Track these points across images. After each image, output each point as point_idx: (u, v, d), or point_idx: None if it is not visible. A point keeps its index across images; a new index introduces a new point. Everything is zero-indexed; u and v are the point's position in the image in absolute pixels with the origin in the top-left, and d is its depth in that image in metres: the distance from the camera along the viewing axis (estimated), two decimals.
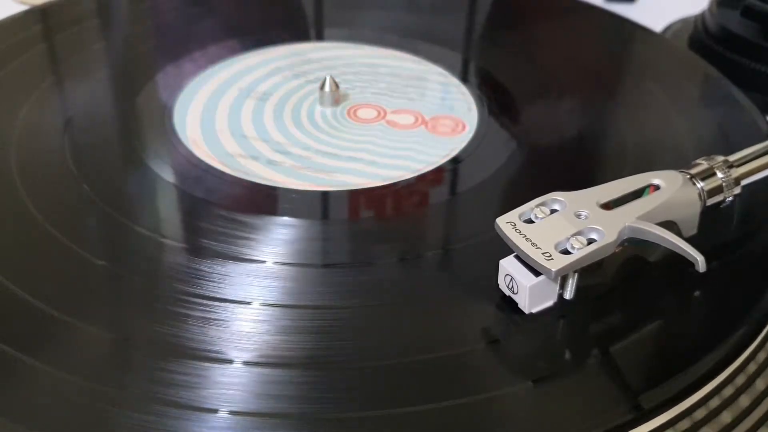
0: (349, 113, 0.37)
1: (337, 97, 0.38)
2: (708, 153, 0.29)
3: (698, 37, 0.47)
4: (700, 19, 0.48)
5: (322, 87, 0.37)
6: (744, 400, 0.25)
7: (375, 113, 0.37)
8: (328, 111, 0.37)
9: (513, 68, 0.42)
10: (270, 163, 0.34)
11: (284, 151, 0.34)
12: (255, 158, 0.34)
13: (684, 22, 0.52)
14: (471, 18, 0.48)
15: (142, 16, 0.47)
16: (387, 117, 0.37)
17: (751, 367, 0.26)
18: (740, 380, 0.25)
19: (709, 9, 0.47)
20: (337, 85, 0.38)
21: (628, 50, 0.45)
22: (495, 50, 0.44)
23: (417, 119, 0.37)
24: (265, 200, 0.32)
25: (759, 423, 0.25)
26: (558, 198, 0.27)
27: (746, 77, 0.43)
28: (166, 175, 0.33)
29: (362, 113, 0.37)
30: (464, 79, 0.41)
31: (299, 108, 0.38)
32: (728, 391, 0.25)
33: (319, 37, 0.45)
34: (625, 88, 0.41)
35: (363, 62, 0.42)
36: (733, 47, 0.44)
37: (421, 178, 0.33)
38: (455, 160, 0.34)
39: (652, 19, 0.50)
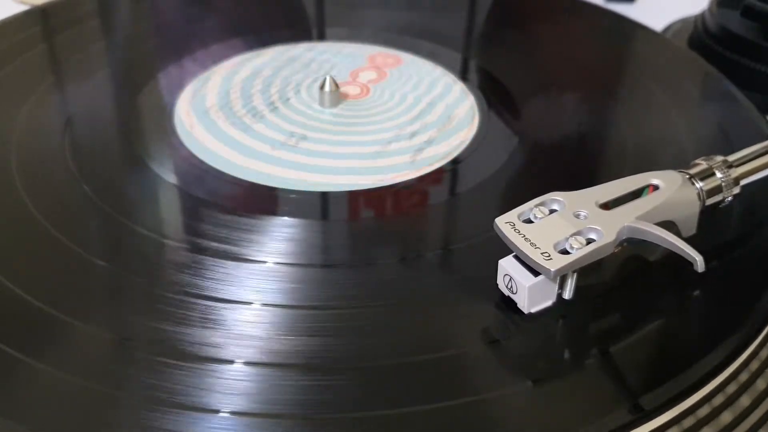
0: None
1: (336, 98, 0.38)
2: (708, 153, 0.29)
3: (698, 37, 0.47)
4: (700, 19, 0.48)
5: (322, 87, 0.38)
6: (744, 400, 0.25)
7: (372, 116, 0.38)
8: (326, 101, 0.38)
9: (513, 68, 0.42)
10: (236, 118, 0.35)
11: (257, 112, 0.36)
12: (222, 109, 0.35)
13: (684, 22, 0.52)
14: (471, 18, 0.48)
15: (142, 16, 0.47)
16: (382, 120, 0.37)
17: (754, 365, 0.26)
18: (741, 379, 0.25)
19: (709, 9, 0.47)
20: (337, 86, 0.38)
21: (628, 50, 0.45)
22: (495, 50, 0.44)
23: (412, 124, 0.37)
24: (265, 200, 0.32)
25: (759, 423, 0.25)
26: (557, 198, 0.27)
27: (746, 77, 0.43)
28: (167, 175, 0.33)
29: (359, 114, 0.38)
30: (464, 78, 0.41)
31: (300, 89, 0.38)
32: (729, 390, 0.25)
33: (321, 36, 0.45)
34: (625, 88, 0.41)
35: (369, 62, 0.42)
36: (733, 47, 0.44)
37: (423, 179, 0.33)
38: (455, 161, 0.34)
39: (652, 19, 0.50)
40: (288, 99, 0.38)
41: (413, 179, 0.33)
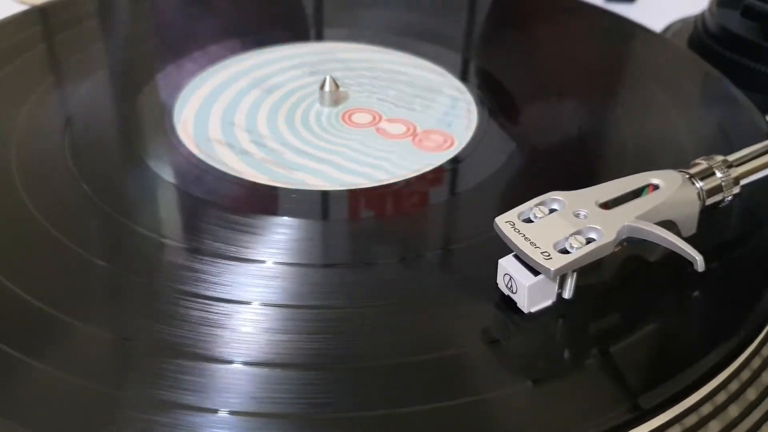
0: (344, 116, 0.37)
1: (336, 98, 0.38)
2: (708, 153, 0.29)
3: (698, 37, 0.47)
4: (700, 19, 0.48)
5: (321, 87, 0.38)
6: (745, 400, 0.25)
7: (370, 118, 0.37)
8: (325, 112, 0.37)
9: (513, 68, 0.42)
10: (242, 152, 0.34)
11: (260, 143, 0.35)
12: (230, 146, 0.34)
13: (684, 22, 0.52)
14: (471, 18, 0.48)
15: (142, 16, 0.47)
16: (379, 124, 0.37)
17: (755, 363, 0.26)
18: (742, 378, 0.25)
19: (709, 9, 0.47)
20: (337, 86, 0.38)
21: (628, 50, 0.45)
22: (495, 50, 0.44)
23: (408, 130, 0.36)
24: (265, 200, 0.32)
25: (760, 422, 0.25)
26: (557, 197, 0.27)
27: (746, 77, 0.43)
28: (166, 175, 0.33)
29: (357, 117, 0.37)
30: (464, 78, 0.41)
31: (298, 105, 0.38)
32: (729, 390, 0.25)
33: (319, 37, 0.45)
34: (625, 88, 0.41)
35: (382, 66, 0.42)
36: (733, 47, 0.44)
37: (422, 179, 0.33)
38: (455, 160, 0.34)
39: (652, 19, 0.50)
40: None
41: (413, 179, 0.33)
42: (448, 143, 0.36)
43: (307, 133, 0.36)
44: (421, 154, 0.35)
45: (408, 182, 0.33)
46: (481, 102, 0.39)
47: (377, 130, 0.36)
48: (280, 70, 0.41)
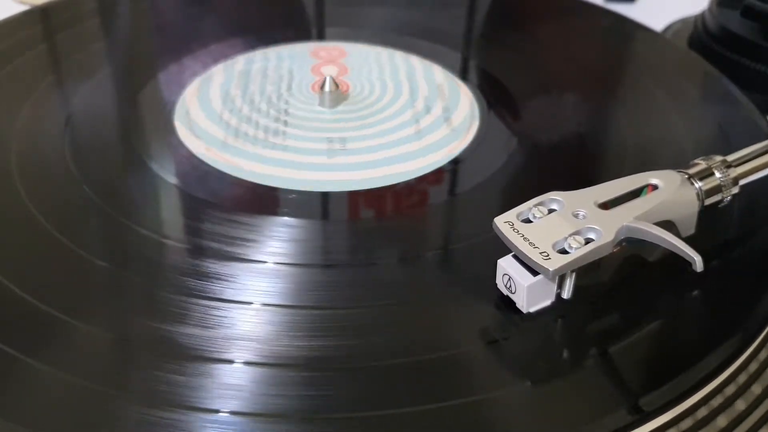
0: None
1: (336, 98, 0.38)
2: (708, 153, 0.29)
3: (698, 37, 0.47)
4: (700, 19, 0.48)
5: (322, 87, 0.38)
6: (743, 402, 0.25)
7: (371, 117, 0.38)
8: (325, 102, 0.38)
9: (513, 68, 0.42)
10: (254, 157, 0.34)
11: (269, 144, 0.35)
12: (241, 147, 0.35)
13: (684, 22, 0.52)
14: (471, 17, 0.48)
15: (143, 15, 0.47)
16: (382, 122, 0.37)
17: (753, 366, 0.26)
18: (740, 380, 0.25)
19: (709, 9, 0.47)
20: (337, 86, 0.38)
21: (628, 50, 0.45)
22: (495, 50, 0.44)
23: (412, 126, 0.37)
24: (265, 201, 0.32)
25: (759, 424, 0.25)
26: (556, 198, 0.27)
27: (746, 77, 0.43)
28: (167, 175, 0.33)
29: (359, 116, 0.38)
30: (464, 77, 0.41)
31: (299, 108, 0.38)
32: (729, 391, 0.25)
33: (320, 36, 0.45)
34: (625, 88, 0.41)
35: (374, 62, 0.42)
36: (733, 47, 0.44)
37: (422, 180, 0.33)
38: (455, 161, 0.34)
39: (652, 19, 0.50)
40: (286, 110, 0.38)
41: (413, 179, 0.33)
42: (457, 136, 0.36)
43: (314, 133, 0.36)
44: (433, 147, 0.35)
45: (407, 182, 0.33)
46: (480, 100, 0.39)
47: (381, 127, 0.37)
48: (274, 70, 0.41)
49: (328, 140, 0.35)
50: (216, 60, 0.41)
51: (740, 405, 0.25)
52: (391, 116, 0.37)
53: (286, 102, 0.38)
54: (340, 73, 0.40)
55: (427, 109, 0.38)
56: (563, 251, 0.25)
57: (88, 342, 0.25)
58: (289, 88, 0.39)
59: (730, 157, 0.29)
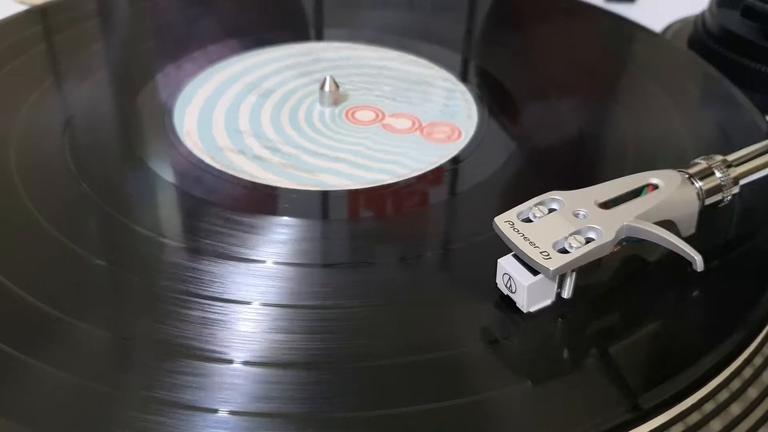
0: (347, 115, 0.37)
1: (336, 97, 0.38)
2: (708, 153, 0.29)
3: (698, 37, 0.47)
4: (700, 19, 0.48)
5: (322, 87, 0.38)
6: (744, 401, 0.25)
7: (373, 116, 0.37)
8: (327, 111, 0.37)
9: (513, 68, 0.42)
10: (256, 158, 0.34)
11: (273, 147, 0.35)
12: (242, 153, 0.34)
13: (684, 22, 0.52)
14: (471, 18, 0.48)
15: (142, 16, 0.47)
16: (384, 120, 0.37)
17: (750, 370, 0.26)
18: (740, 381, 0.25)
19: (709, 9, 0.47)
20: (337, 85, 0.38)
21: (628, 50, 0.45)
22: (495, 50, 0.44)
23: (414, 124, 0.37)
24: (265, 200, 0.32)
25: (759, 423, 0.25)
26: (556, 197, 0.27)
27: (746, 77, 0.43)
28: (166, 174, 0.33)
29: (360, 115, 0.37)
30: (464, 78, 0.41)
31: (298, 107, 0.38)
32: (728, 392, 0.25)
33: (319, 37, 0.45)
34: (625, 88, 0.41)
35: (370, 63, 0.42)
36: (733, 47, 0.44)
37: (421, 179, 0.33)
38: (455, 160, 0.34)
39: (652, 20, 0.50)
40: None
41: (413, 178, 0.33)
42: (456, 134, 0.36)
43: (316, 134, 0.36)
44: (433, 147, 0.35)
45: (408, 182, 0.33)
46: (480, 100, 0.39)
47: (383, 126, 0.37)
48: (271, 72, 0.41)
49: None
50: (214, 60, 0.41)
51: (742, 402, 0.25)
52: (391, 117, 0.37)
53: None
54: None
55: (427, 110, 0.38)
56: (563, 251, 0.25)
57: (88, 342, 0.25)
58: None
59: (731, 157, 0.29)
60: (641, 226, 0.26)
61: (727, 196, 0.28)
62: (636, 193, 0.27)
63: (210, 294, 0.26)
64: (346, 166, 0.34)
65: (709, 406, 0.24)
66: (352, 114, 0.37)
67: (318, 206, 0.32)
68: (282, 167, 0.33)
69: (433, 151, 0.35)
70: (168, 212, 0.31)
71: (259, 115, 0.37)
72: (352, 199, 0.32)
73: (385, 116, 0.37)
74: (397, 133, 0.36)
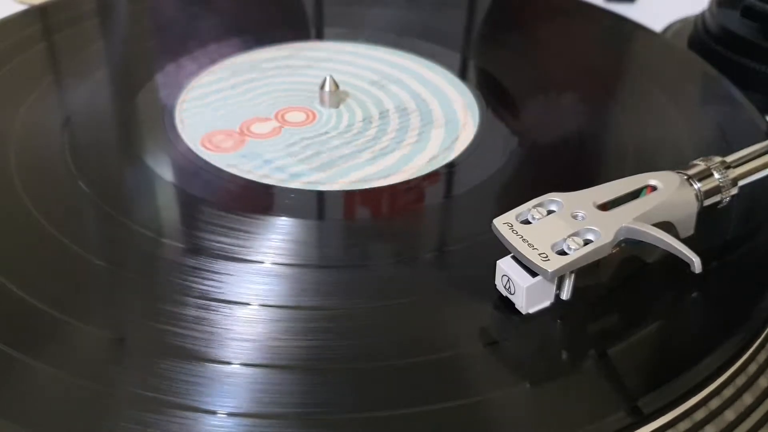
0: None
1: (336, 97, 0.38)
2: (708, 153, 0.29)
3: (698, 37, 0.47)
4: (700, 19, 0.48)
5: (322, 87, 0.38)
6: (742, 404, 0.25)
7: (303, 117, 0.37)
8: (328, 111, 0.38)
9: (513, 68, 0.42)
10: (267, 162, 0.34)
11: (290, 151, 0.35)
12: (251, 157, 0.34)
13: (684, 22, 0.52)
14: (470, 18, 0.48)
15: (142, 16, 0.47)
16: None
17: (751, 368, 0.26)
18: (740, 381, 0.25)
19: (709, 9, 0.47)
20: (337, 85, 0.38)
21: (628, 50, 0.45)
22: (495, 50, 0.44)
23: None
24: (264, 200, 0.32)
25: (758, 425, 0.25)
26: (555, 199, 0.27)
27: (746, 77, 0.43)
28: (166, 174, 0.33)
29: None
30: (464, 78, 0.41)
31: (298, 108, 0.38)
32: (728, 392, 0.25)
33: (319, 36, 0.45)
34: (625, 88, 0.41)
35: (365, 62, 0.42)
36: (733, 47, 0.44)
37: (421, 180, 0.33)
38: (454, 162, 0.34)
39: (652, 19, 0.50)
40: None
41: (412, 180, 0.33)
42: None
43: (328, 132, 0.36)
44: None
45: (407, 183, 0.33)
46: (480, 102, 0.39)
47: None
48: (268, 74, 0.41)
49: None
50: (214, 60, 0.41)
51: (743, 404, 0.25)
52: (391, 117, 0.37)
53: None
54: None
55: (427, 110, 0.38)
56: (562, 252, 0.25)
57: (88, 342, 0.25)
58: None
59: (729, 158, 0.29)
60: (640, 228, 0.26)
61: (725, 198, 0.28)
62: (635, 195, 0.27)
63: (209, 294, 0.26)
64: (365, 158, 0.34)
65: (708, 409, 0.24)
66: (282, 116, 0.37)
67: (316, 207, 0.32)
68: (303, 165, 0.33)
69: (433, 153, 0.35)
70: (168, 212, 0.31)
71: (259, 113, 0.37)
72: (350, 199, 0.32)
73: (383, 118, 0.37)
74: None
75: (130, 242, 0.29)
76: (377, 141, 0.35)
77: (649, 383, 0.24)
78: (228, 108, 0.38)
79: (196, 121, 0.36)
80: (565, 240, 0.25)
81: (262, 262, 0.28)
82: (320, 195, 0.32)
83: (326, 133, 0.36)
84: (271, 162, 0.34)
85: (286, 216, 0.30)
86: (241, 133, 0.36)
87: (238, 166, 0.33)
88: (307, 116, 0.37)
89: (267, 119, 0.37)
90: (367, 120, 0.37)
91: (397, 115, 0.37)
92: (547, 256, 0.24)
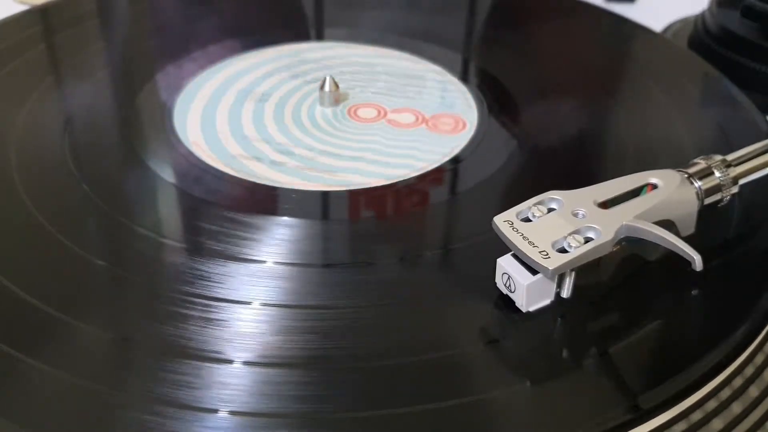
0: (349, 113, 0.37)
1: (337, 97, 0.38)
2: (708, 153, 0.29)
3: (698, 37, 0.47)
4: (700, 19, 0.48)
5: (322, 87, 0.38)
6: (742, 402, 0.25)
7: (375, 112, 0.38)
8: (329, 111, 0.38)
9: (513, 68, 0.42)
10: (274, 164, 0.34)
11: (287, 151, 0.34)
12: (258, 159, 0.34)
13: (684, 22, 0.52)
14: (471, 18, 0.48)
15: (142, 16, 0.47)
16: (388, 116, 0.37)
17: (751, 368, 0.26)
18: (739, 382, 0.25)
19: (709, 9, 0.47)
20: (337, 85, 0.38)
21: (628, 50, 0.45)
22: (495, 50, 0.44)
23: (417, 118, 0.37)
24: (265, 200, 0.32)
25: (758, 424, 0.25)
26: (555, 197, 0.27)
27: (746, 77, 0.43)
28: (166, 175, 0.33)
29: (363, 113, 0.38)
30: (464, 78, 0.41)
31: (299, 108, 0.38)
32: (727, 392, 0.25)
33: (319, 36, 0.45)
34: (625, 88, 0.41)
35: (360, 61, 0.42)
36: (733, 47, 0.44)
37: (422, 178, 0.33)
38: (455, 160, 0.34)
39: (652, 19, 0.50)
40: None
41: (414, 178, 0.33)
42: (461, 125, 0.36)
43: (325, 134, 0.36)
44: (442, 138, 0.35)
45: (408, 182, 0.33)
46: (480, 102, 0.39)
47: (388, 121, 0.37)
48: (264, 75, 0.41)
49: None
50: (215, 60, 0.41)
51: (741, 403, 0.25)
52: (393, 112, 0.37)
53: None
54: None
55: (427, 110, 0.38)
56: (562, 250, 0.25)
57: (88, 342, 0.25)
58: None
59: (730, 157, 0.29)
60: (640, 226, 0.26)
61: (726, 196, 0.28)
62: (635, 193, 0.27)
63: (210, 294, 0.26)
64: (364, 164, 0.34)
65: (708, 408, 0.24)
66: (355, 112, 0.38)
67: (318, 206, 0.32)
68: (300, 170, 0.33)
69: (444, 142, 0.35)
70: (168, 212, 0.31)
71: (262, 119, 0.37)
72: (352, 199, 0.32)
73: (387, 112, 0.38)
74: (403, 127, 0.36)
75: (132, 242, 0.29)
76: (383, 138, 0.36)
77: (649, 381, 0.24)
78: (231, 111, 0.38)
79: (198, 124, 0.36)
80: (565, 238, 0.25)
81: (264, 262, 0.28)
82: (322, 195, 0.32)
83: (329, 134, 0.36)
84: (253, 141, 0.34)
85: (288, 216, 0.30)
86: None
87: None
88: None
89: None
90: (369, 118, 0.37)
91: (399, 114, 0.37)
92: (547, 254, 0.24)
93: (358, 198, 0.32)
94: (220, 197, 0.32)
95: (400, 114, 0.37)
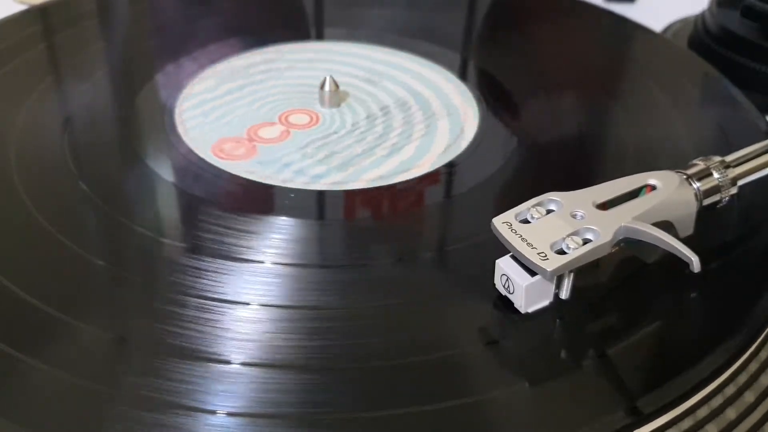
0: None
1: (337, 97, 0.38)
2: (708, 153, 0.29)
3: (698, 37, 0.47)
4: (700, 19, 0.48)
5: (322, 87, 0.38)
6: (742, 403, 0.25)
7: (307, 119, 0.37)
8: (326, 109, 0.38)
9: (513, 68, 0.42)
10: (285, 165, 0.34)
11: (301, 151, 0.35)
12: (266, 162, 0.34)
13: (684, 22, 0.52)
14: (471, 18, 0.48)
15: (142, 16, 0.47)
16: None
17: (752, 367, 0.26)
18: (739, 381, 0.25)
19: (709, 9, 0.47)
20: (337, 85, 0.38)
21: (628, 50, 0.45)
22: (495, 50, 0.44)
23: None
24: (264, 200, 0.32)
25: (758, 424, 0.25)
26: (554, 198, 0.27)
27: (746, 77, 0.43)
28: (166, 174, 0.33)
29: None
30: (463, 78, 0.41)
31: (299, 109, 0.38)
32: (728, 392, 0.25)
33: (319, 36, 0.45)
34: (625, 88, 0.41)
35: (362, 64, 0.42)
36: (733, 47, 0.44)
37: (420, 180, 0.33)
38: (454, 162, 0.34)
39: (652, 19, 0.50)
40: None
41: (412, 179, 0.33)
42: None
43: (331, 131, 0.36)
44: (442, 138, 0.36)
45: (407, 183, 0.33)
46: (479, 102, 0.39)
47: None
48: (265, 75, 0.41)
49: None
50: (215, 60, 0.41)
51: (743, 403, 0.25)
52: (391, 117, 0.37)
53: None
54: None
55: (427, 110, 0.38)
56: (561, 252, 0.25)
57: (88, 342, 0.25)
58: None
59: (729, 158, 0.29)
60: (639, 227, 0.26)
61: (725, 197, 0.28)
62: (634, 194, 0.27)
63: (209, 294, 0.26)
64: (365, 164, 0.34)
65: (708, 409, 0.24)
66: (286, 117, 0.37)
67: (316, 207, 0.32)
68: (302, 169, 0.33)
69: (444, 142, 0.35)
70: (168, 212, 0.31)
71: (263, 118, 0.37)
72: (350, 199, 0.32)
73: (383, 118, 0.37)
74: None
75: (131, 242, 0.29)
76: (386, 137, 0.36)
77: (648, 383, 0.24)
78: (231, 112, 0.37)
79: (199, 126, 0.36)
80: (564, 239, 0.25)
81: (262, 262, 0.28)
82: (321, 195, 0.32)
83: (335, 132, 0.36)
84: (290, 165, 0.34)
85: (286, 216, 0.30)
86: (250, 139, 0.35)
87: (257, 173, 0.33)
88: (311, 118, 0.37)
89: (273, 123, 0.37)
90: (371, 117, 0.37)
91: (399, 110, 0.37)
92: (546, 256, 0.25)
93: (357, 199, 0.32)
94: (219, 197, 0.32)
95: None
